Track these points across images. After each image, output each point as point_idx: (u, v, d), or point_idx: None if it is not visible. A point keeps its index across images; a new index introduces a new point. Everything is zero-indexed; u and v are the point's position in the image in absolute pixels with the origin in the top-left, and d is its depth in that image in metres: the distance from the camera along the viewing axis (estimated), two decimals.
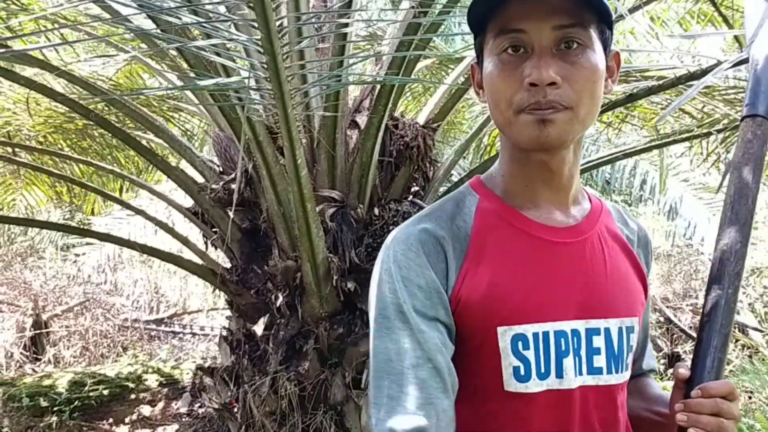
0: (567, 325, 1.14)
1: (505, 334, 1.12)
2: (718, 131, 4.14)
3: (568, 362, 1.13)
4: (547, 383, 1.12)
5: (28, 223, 6.56)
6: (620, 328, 1.18)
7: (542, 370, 1.12)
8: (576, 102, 1.07)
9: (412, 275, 1.11)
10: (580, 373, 1.14)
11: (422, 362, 1.08)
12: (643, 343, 1.39)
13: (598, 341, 1.16)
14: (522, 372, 1.12)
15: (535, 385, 1.12)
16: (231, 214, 3.83)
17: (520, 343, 1.12)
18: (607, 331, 1.16)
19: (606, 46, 1.13)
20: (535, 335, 1.12)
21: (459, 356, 1.15)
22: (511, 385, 1.12)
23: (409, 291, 1.11)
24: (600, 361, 1.16)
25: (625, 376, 1.20)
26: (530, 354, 1.12)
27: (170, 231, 4.66)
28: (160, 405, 6.15)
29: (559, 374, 1.13)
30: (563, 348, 1.13)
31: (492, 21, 1.10)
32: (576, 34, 1.07)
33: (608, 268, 1.20)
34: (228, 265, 4.15)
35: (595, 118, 1.13)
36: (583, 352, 1.15)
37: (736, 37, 4.83)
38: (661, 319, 7.64)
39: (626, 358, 1.19)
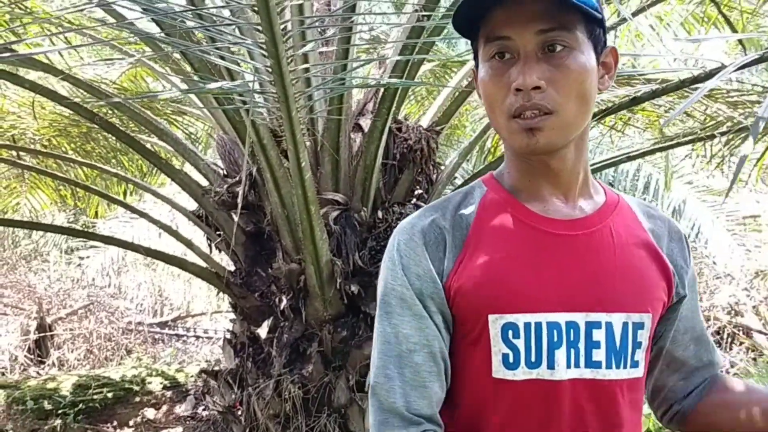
0: (562, 317, 1.14)
1: (496, 322, 1.14)
2: (722, 134, 4.14)
3: (560, 354, 1.14)
4: (537, 372, 1.14)
5: (32, 226, 6.58)
6: (625, 323, 1.16)
7: (532, 359, 1.14)
8: (561, 105, 1.09)
9: (411, 264, 1.17)
10: (576, 366, 1.14)
11: (418, 348, 1.16)
12: (697, 339, 1.34)
13: (599, 335, 1.15)
14: (511, 360, 1.14)
15: (523, 374, 1.14)
16: (235, 217, 3.84)
17: (510, 332, 1.14)
18: (609, 325, 1.16)
19: (597, 43, 1.14)
20: (527, 325, 1.14)
21: (454, 343, 1.20)
22: (500, 371, 1.15)
23: (409, 279, 1.17)
24: (599, 354, 1.15)
25: (633, 373, 1.19)
26: (520, 343, 1.14)
27: (174, 234, 4.66)
28: (164, 408, 6.16)
29: (551, 365, 1.14)
30: (555, 339, 1.14)
31: (481, 27, 1.13)
32: (559, 37, 1.08)
33: (618, 261, 1.19)
34: (232, 268, 4.16)
35: (587, 117, 1.15)
36: (581, 345, 1.15)
37: (739, 40, 4.83)
38: None
39: (633, 355, 1.18)
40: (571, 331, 1.14)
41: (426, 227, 1.20)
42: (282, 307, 3.68)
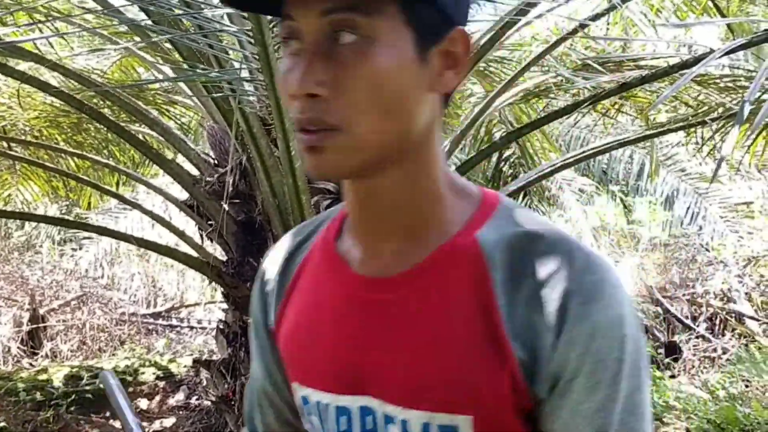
0: (355, 402, 0.90)
1: (297, 392, 0.98)
2: (713, 120, 4.14)
3: None
4: None
5: (24, 216, 6.55)
6: (426, 425, 0.84)
7: None
8: (349, 119, 0.76)
9: (254, 299, 1.07)
10: None
11: (253, 379, 1.10)
12: None
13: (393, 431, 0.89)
14: None
15: None
16: (226, 206, 3.83)
17: (307, 406, 0.96)
18: (405, 423, 0.86)
19: (425, 28, 0.78)
20: (318, 404, 0.94)
21: None
22: None
23: (253, 313, 1.07)
24: None
25: None
26: (315, 421, 0.96)
27: (166, 224, 4.66)
28: (158, 398, 6.16)
29: None
30: (345, 428, 0.91)
31: None
32: (348, 23, 0.74)
33: (425, 342, 0.85)
34: (224, 258, 4.15)
35: (406, 132, 0.81)
36: None
37: (729, 28, 4.83)
38: (659, 309, 7.65)
39: None
40: (368, 419, 0.90)
41: (270, 261, 1.05)
42: None
